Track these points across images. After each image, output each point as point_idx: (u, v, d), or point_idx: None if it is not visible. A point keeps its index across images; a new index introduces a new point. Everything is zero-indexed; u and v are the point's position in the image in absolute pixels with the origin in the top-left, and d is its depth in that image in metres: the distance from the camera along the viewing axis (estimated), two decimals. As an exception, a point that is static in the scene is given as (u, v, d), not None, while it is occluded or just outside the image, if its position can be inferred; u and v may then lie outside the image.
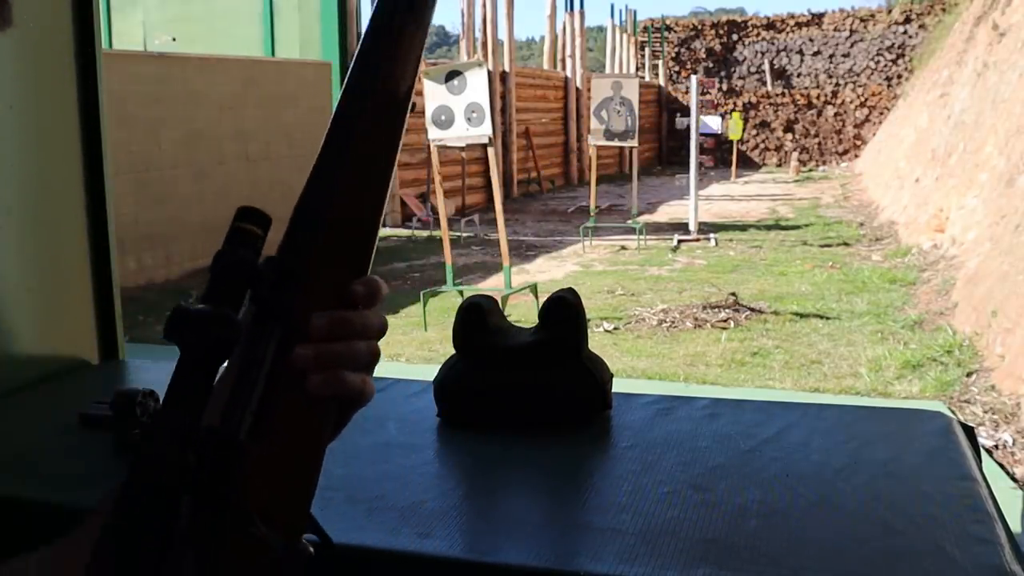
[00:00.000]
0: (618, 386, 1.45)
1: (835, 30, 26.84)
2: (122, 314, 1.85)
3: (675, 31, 28.59)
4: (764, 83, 26.93)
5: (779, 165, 23.93)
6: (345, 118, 0.60)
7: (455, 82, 6.61)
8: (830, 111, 24.30)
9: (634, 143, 9.85)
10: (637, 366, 5.37)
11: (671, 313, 6.57)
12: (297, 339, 0.58)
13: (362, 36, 0.62)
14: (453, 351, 1.45)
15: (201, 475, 0.53)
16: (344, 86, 0.61)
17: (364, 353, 0.60)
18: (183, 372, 0.54)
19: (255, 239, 0.56)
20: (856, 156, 23.20)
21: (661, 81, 26.35)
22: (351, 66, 0.61)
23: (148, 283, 8.14)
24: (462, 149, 13.00)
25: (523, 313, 6.55)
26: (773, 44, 27.51)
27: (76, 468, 1.28)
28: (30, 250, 1.66)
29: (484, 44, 15.00)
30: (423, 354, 5.69)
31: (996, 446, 4.08)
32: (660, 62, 26.82)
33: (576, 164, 19.07)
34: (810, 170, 22.26)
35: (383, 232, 11.78)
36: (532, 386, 1.39)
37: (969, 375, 5.01)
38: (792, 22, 27.47)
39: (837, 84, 25.99)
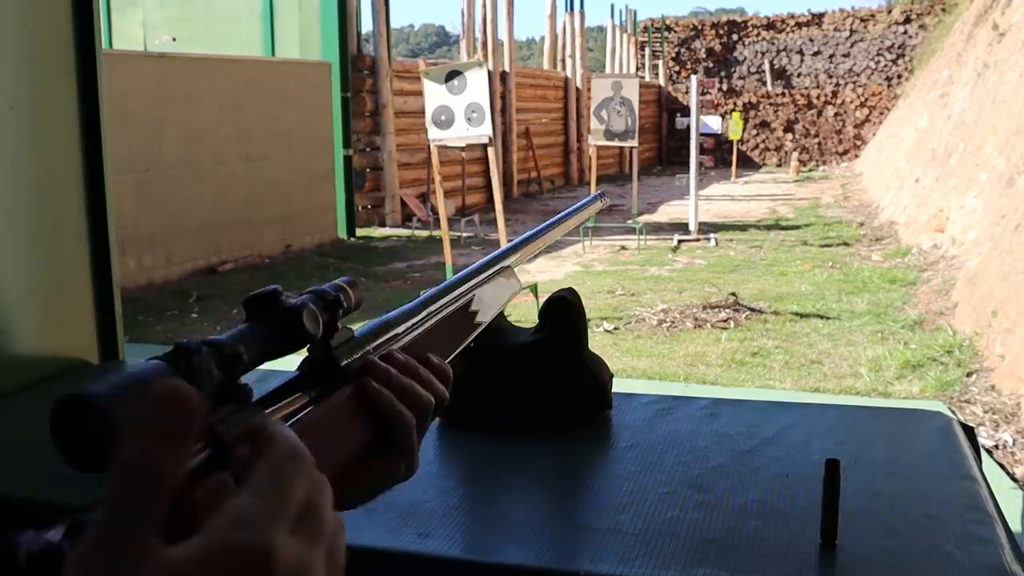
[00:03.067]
0: (618, 386, 1.45)
1: (835, 30, 26.86)
2: (122, 314, 1.85)
3: (675, 31, 28.62)
4: (764, 83, 26.94)
5: (779, 165, 23.95)
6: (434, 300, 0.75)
7: (455, 82, 6.61)
8: (830, 111, 24.31)
9: (634, 143, 9.85)
10: (637, 366, 5.37)
11: (671, 313, 6.57)
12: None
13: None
14: (453, 351, 1.45)
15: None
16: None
17: (421, 399, 0.64)
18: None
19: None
20: (856, 156, 23.21)
21: (661, 81, 26.37)
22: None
23: (148, 283, 8.14)
24: (462, 149, 13.00)
25: (523, 313, 6.55)
26: (773, 44, 27.52)
27: (76, 468, 1.28)
28: (30, 250, 1.66)
29: (484, 44, 15.00)
30: (423, 354, 5.68)
31: (996, 446, 4.08)
32: (660, 62, 26.84)
33: (576, 164, 19.08)
34: (810, 170, 22.27)
35: (383, 232, 11.79)
36: (532, 386, 1.39)
37: (969, 375, 5.01)
38: (792, 22, 27.50)
39: (837, 84, 26.00)
